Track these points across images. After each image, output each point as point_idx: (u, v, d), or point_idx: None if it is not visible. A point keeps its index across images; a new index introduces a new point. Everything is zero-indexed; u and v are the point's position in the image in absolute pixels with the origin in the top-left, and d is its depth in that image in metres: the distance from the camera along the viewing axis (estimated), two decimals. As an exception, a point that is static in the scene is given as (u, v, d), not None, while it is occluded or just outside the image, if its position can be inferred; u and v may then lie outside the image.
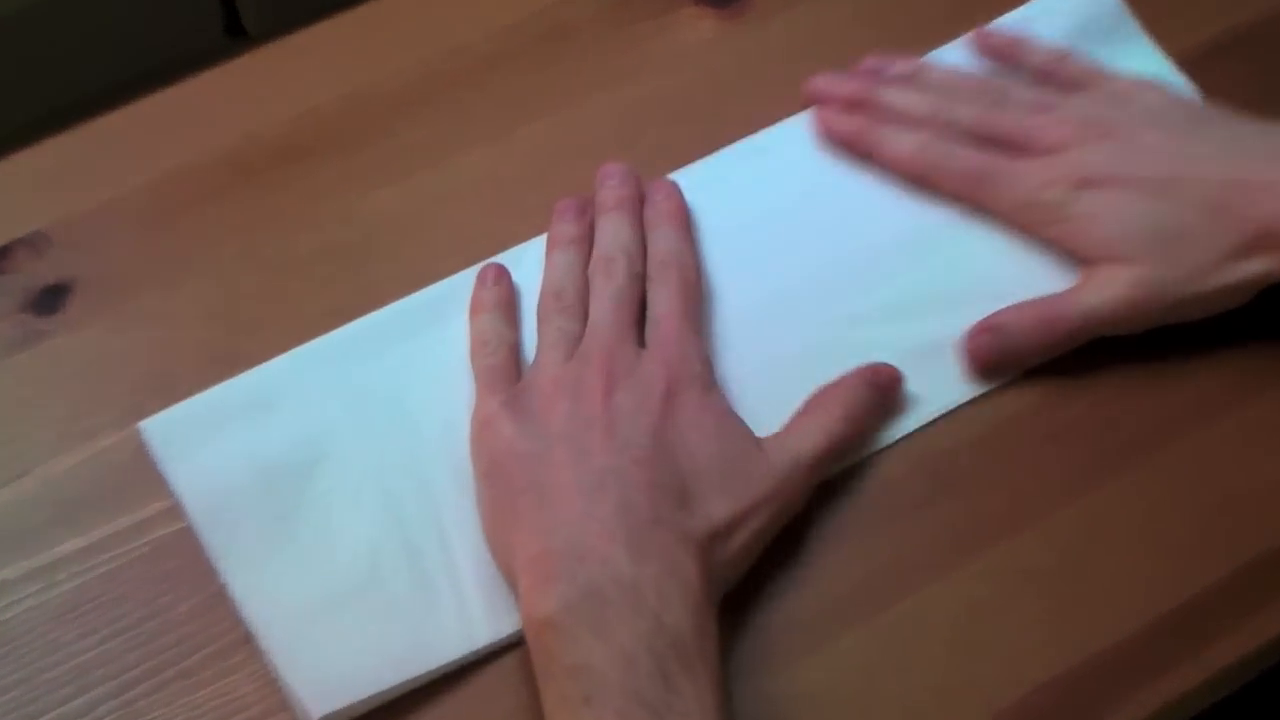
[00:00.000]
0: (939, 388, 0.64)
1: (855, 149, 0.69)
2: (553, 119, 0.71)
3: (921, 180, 0.68)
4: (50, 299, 0.65)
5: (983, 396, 0.64)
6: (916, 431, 0.63)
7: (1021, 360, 0.64)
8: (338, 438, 0.61)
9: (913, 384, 0.63)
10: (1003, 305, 0.65)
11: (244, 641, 0.58)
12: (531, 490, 0.57)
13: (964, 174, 0.67)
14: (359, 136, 0.70)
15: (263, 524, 0.59)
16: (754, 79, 0.72)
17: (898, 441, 0.62)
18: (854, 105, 0.69)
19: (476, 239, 0.67)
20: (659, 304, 0.63)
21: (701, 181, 0.68)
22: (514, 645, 0.57)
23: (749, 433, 0.60)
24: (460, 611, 0.58)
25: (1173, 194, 0.63)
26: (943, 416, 0.63)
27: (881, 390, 0.62)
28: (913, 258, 0.66)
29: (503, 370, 0.61)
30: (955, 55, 0.72)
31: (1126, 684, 0.57)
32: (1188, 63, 0.72)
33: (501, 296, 0.64)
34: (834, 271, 0.66)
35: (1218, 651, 0.58)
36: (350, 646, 0.57)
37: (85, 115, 0.70)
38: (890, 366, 0.63)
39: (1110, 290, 0.63)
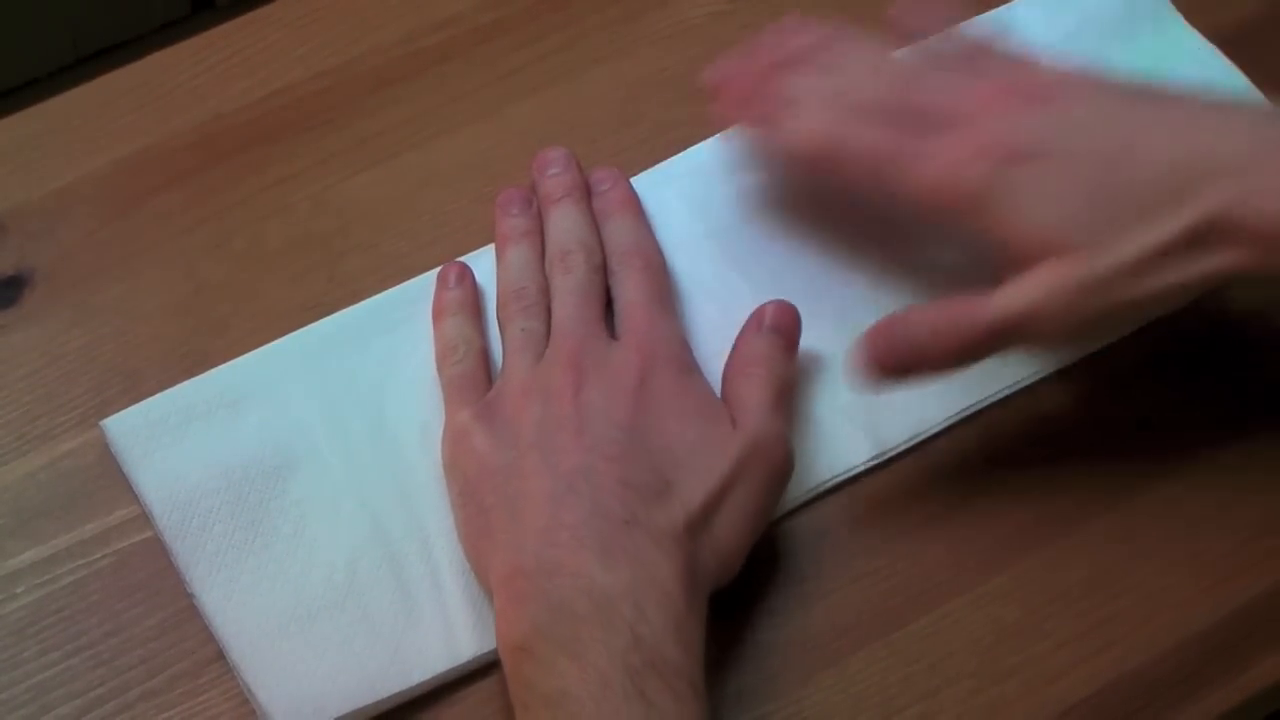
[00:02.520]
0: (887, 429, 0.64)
1: (759, 132, 0.68)
2: (546, 96, 0.73)
3: (824, 164, 0.65)
4: (6, 291, 0.67)
5: (1005, 400, 0.65)
6: (933, 436, 0.64)
7: (927, 364, 0.61)
8: (311, 439, 0.64)
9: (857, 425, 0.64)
10: None
11: (214, 659, 0.59)
12: (502, 504, 0.58)
13: (874, 153, 0.63)
14: (335, 117, 0.72)
15: (233, 531, 0.61)
16: (763, 55, 0.74)
17: (915, 448, 0.64)
18: (757, 84, 0.67)
19: (463, 227, 0.69)
20: (626, 293, 0.64)
21: (646, 190, 0.69)
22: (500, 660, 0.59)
23: (725, 407, 0.61)
24: (444, 624, 0.60)
25: (1116, 173, 0.59)
26: (962, 421, 0.65)
27: (780, 330, 0.63)
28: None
29: (472, 378, 0.63)
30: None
31: (1160, 705, 0.60)
32: (1226, 42, 0.73)
33: (465, 298, 0.65)
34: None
35: (1256, 672, 0.60)
36: (326, 663, 0.59)
37: (42, 94, 0.72)
38: (779, 303, 0.64)
39: (1037, 287, 0.59)
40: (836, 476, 0.63)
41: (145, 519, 0.62)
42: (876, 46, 0.67)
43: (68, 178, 0.70)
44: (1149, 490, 0.64)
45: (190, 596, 0.60)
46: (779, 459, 0.60)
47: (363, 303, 0.67)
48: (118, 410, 0.64)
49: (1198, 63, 0.73)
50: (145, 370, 0.65)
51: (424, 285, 0.67)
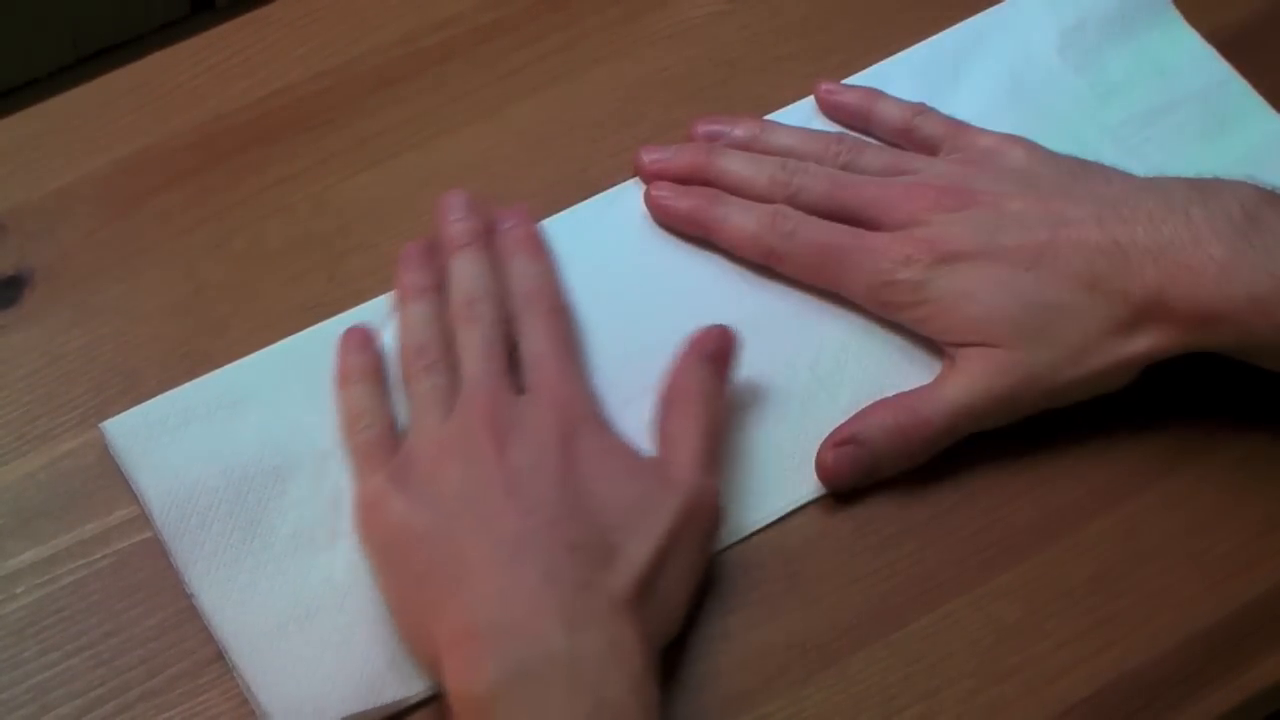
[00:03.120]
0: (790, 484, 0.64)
1: (692, 230, 0.69)
2: (546, 96, 0.73)
3: (766, 262, 0.67)
4: (6, 291, 0.67)
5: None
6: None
7: (881, 470, 0.63)
8: (311, 440, 0.64)
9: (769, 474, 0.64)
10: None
11: (214, 659, 0.60)
12: (438, 568, 0.57)
13: (810, 254, 0.66)
14: (336, 117, 0.72)
15: (232, 531, 0.62)
16: (763, 56, 0.74)
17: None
18: (689, 179, 0.69)
19: (464, 227, 0.69)
20: (533, 344, 0.63)
21: (557, 236, 0.69)
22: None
23: (651, 461, 0.61)
24: None
25: (1045, 266, 0.63)
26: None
27: (716, 359, 0.63)
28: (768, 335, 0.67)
29: (380, 443, 0.62)
30: (802, 114, 0.72)
31: (1161, 705, 0.60)
32: (1227, 44, 0.74)
33: (369, 364, 0.64)
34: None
35: (1257, 672, 0.61)
36: (328, 664, 0.59)
37: (42, 94, 0.72)
38: (715, 329, 0.63)
39: (977, 381, 0.63)
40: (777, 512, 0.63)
41: (145, 519, 0.62)
42: (806, 135, 0.70)
43: (68, 178, 0.70)
44: (1150, 490, 0.64)
45: (190, 596, 0.61)
46: (713, 513, 0.61)
47: (361, 305, 0.67)
48: (118, 410, 0.64)
49: (1195, 63, 0.74)
50: (145, 370, 0.65)
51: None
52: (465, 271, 0.65)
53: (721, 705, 0.59)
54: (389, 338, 0.65)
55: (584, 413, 0.61)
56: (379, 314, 0.66)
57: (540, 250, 0.67)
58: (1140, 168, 0.67)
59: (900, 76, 0.73)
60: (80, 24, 1.01)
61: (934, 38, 0.74)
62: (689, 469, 0.60)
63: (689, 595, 0.59)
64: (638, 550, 0.57)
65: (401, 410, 0.63)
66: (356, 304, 0.67)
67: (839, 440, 0.63)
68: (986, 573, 0.62)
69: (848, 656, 0.60)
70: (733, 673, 0.60)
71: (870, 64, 0.74)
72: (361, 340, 0.65)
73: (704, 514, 0.60)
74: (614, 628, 0.55)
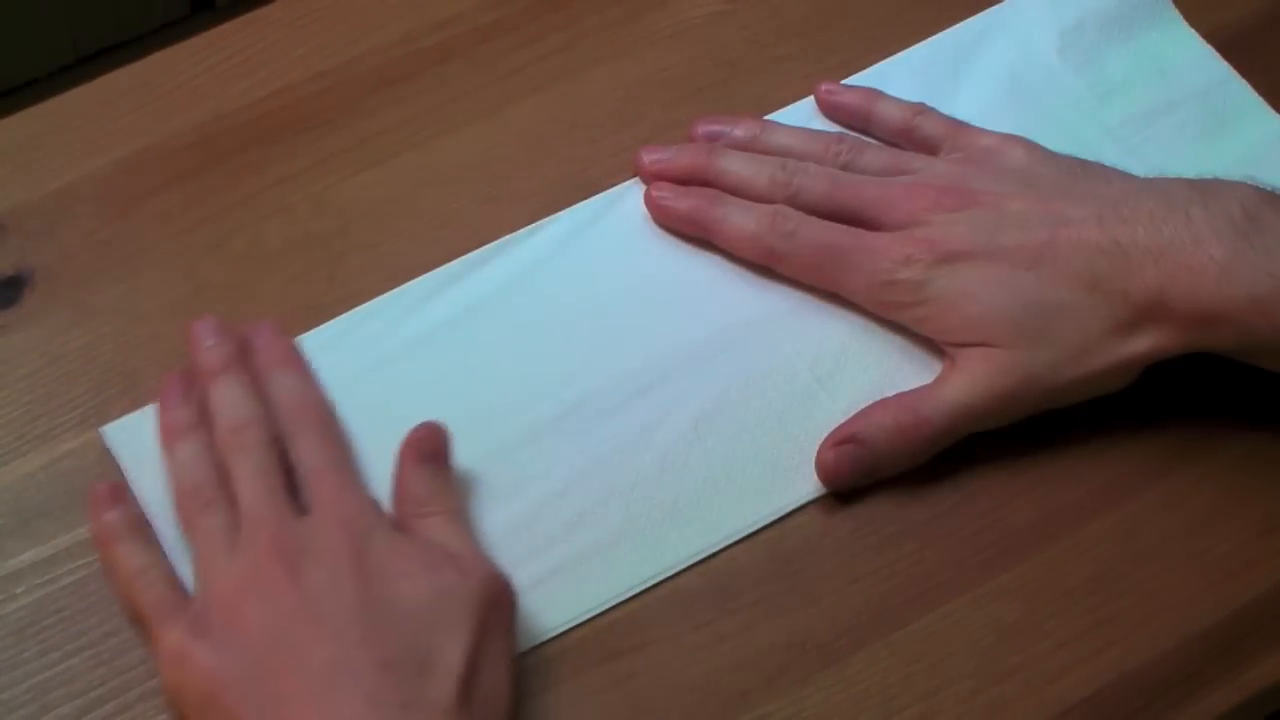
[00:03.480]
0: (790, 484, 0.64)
1: (692, 230, 0.69)
2: (546, 96, 0.73)
3: (765, 263, 0.67)
4: (6, 291, 0.67)
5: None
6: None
7: (882, 470, 0.64)
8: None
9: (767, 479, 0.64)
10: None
11: (215, 660, 0.60)
12: (257, 713, 0.55)
13: (810, 254, 0.66)
14: (335, 117, 0.72)
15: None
16: (763, 56, 0.74)
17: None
18: (688, 179, 0.69)
19: (463, 227, 0.69)
20: (306, 461, 0.61)
21: (532, 257, 0.69)
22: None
23: (441, 553, 0.59)
24: None
25: (1045, 266, 0.63)
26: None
27: (440, 457, 0.62)
28: (762, 337, 0.67)
29: (168, 597, 0.59)
30: (801, 114, 0.72)
31: (1161, 705, 0.60)
32: (1227, 44, 0.74)
33: (127, 518, 0.61)
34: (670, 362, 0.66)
35: (1256, 672, 0.61)
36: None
37: (42, 94, 0.72)
38: (426, 427, 0.62)
39: (977, 381, 0.63)
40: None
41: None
42: (806, 135, 0.70)
43: (68, 178, 0.70)
44: (1150, 490, 0.64)
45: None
46: (509, 598, 0.59)
47: (361, 307, 0.67)
48: (118, 410, 0.64)
49: (1194, 64, 0.74)
50: (145, 370, 0.65)
51: (424, 289, 0.68)
52: (226, 398, 0.62)
53: (721, 705, 0.59)
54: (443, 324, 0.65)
55: (370, 522, 0.59)
56: (379, 314, 0.67)
57: (297, 362, 0.65)
58: (1140, 168, 0.67)
59: (900, 76, 0.73)
60: (80, 24, 1.01)
61: (934, 38, 0.74)
62: (473, 558, 0.59)
63: (510, 684, 0.57)
64: (451, 651, 0.55)
65: (181, 558, 0.61)
66: (356, 304, 0.67)
67: (839, 440, 0.63)
68: (986, 573, 0.62)
69: (848, 656, 0.60)
70: (733, 673, 0.60)
71: (870, 64, 0.74)
72: (111, 494, 0.62)
73: (503, 598, 0.58)
74: None
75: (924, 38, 0.75)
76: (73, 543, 0.62)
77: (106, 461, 0.63)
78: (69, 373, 0.66)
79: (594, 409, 0.65)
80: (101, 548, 0.61)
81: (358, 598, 0.56)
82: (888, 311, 0.66)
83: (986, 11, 0.75)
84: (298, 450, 0.61)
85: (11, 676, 0.59)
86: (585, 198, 0.70)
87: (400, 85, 0.73)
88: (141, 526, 0.62)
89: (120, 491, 0.62)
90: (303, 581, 0.57)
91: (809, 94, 0.72)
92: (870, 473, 0.63)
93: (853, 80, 0.73)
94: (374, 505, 0.60)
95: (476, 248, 0.68)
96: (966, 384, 0.63)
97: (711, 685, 0.60)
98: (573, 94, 0.73)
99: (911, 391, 0.64)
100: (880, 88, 0.72)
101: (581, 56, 0.74)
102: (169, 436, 0.63)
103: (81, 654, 0.60)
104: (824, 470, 0.63)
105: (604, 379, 0.66)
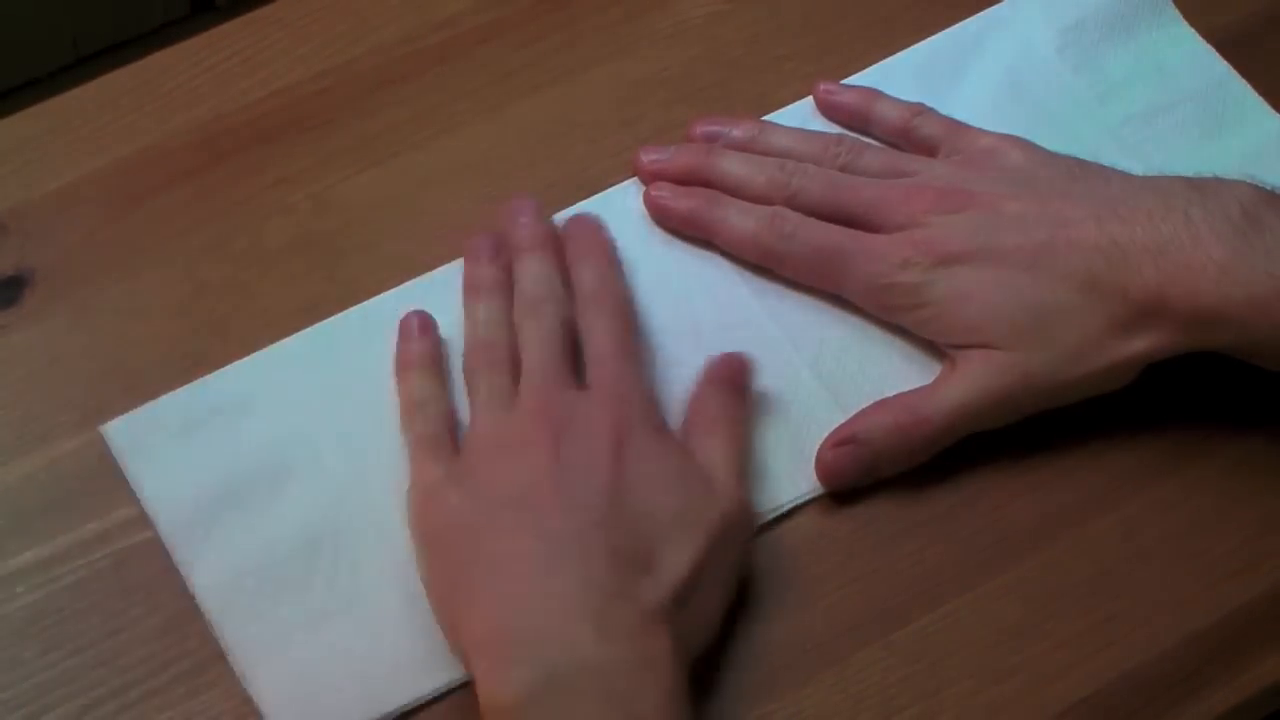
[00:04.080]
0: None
1: (692, 231, 0.69)
2: (546, 96, 0.73)
3: (765, 264, 0.68)
4: (6, 291, 0.67)
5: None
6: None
7: (881, 470, 0.64)
8: (312, 442, 0.64)
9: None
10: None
11: (214, 658, 0.60)
12: (480, 562, 0.57)
13: (809, 255, 0.67)
14: (336, 116, 0.72)
15: (235, 536, 0.62)
16: (763, 56, 0.74)
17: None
18: (688, 180, 0.69)
19: (464, 227, 0.69)
20: (595, 342, 0.63)
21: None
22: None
23: (698, 469, 0.61)
24: None
25: (1044, 266, 0.63)
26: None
27: (736, 383, 0.64)
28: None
29: (439, 437, 0.62)
30: (800, 115, 0.72)
31: (1161, 705, 0.60)
32: (1226, 44, 0.74)
33: (429, 351, 0.65)
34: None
35: (1256, 672, 0.61)
36: (333, 671, 0.59)
37: (42, 94, 0.73)
38: (731, 356, 0.64)
39: (977, 382, 0.63)
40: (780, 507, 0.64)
41: (145, 519, 0.62)
42: (805, 136, 0.70)
43: (68, 178, 0.70)
44: (1149, 490, 0.64)
45: (191, 597, 0.61)
46: (747, 529, 0.61)
47: (362, 304, 0.67)
48: (118, 410, 0.64)
49: (1194, 63, 0.74)
50: (145, 370, 0.66)
51: (424, 287, 0.68)
52: (532, 273, 0.65)
53: (721, 705, 0.59)
54: (441, 315, 0.66)
55: (640, 413, 0.61)
56: (381, 314, 0.67)
57: (610, 256, 0.67)
58: (1139, 167, 0.68)
59: (900, 76, 0.73)
60: (80, 24, 1.01)
61: (933, 38, 0.75)
62: (729, 484, 0.60)
63: (722, 610, 0.59)
64: (677, 561, 0.57)
65: (461, 401, 0.64)
66: (358, 302, 0.67)
67: (839, 440, 0.64)
68: (986, 573, 0.62)
69: (848, 656, 0.60)
70: (733, 673, 0.60)
71: (870, 64, 0.74)
72: (421, 326, 0.65)
73: (742, 529, 0.60)
74: (648, 639, 0.55)
75: (924, 38, 0.75)
76: (73, 542, 0.62)
77: (107, 461, 0.63)
78: (69, 373, 0.66)
79: None
80: (398, 374, 0.64)
81: (607, 480, 0.58)
82: (887, 313, 0.66)
83: (986, 11, 0.75)
84: (588, 330, 0.64)
85: (12, 676, 0.59)
86: (585, 198, 0.70)
87: (400, 85, 0.73)
88: (438, 362, 0.65)
89: (427, 325, 0.65)
90: (561, 451, 0.59)
91: (809, 94, 0.73)
92: (870, 473, 0.63)
93: (852, 80, 0.73)
94: (649, 398, 0.63)
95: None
96: (966, 385, 0.63)
97: (711, 685, 0.60)
98: (573, 94, 0.73)
99: (911, 392, 0.64)
100: (880, 87, 0.72)
101: (581, 56, 0.74)
102: (471, 292, 0.66)
103: (82, 654, 0.60)
104: (824, 470, 0.63)
105: None
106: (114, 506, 0.63)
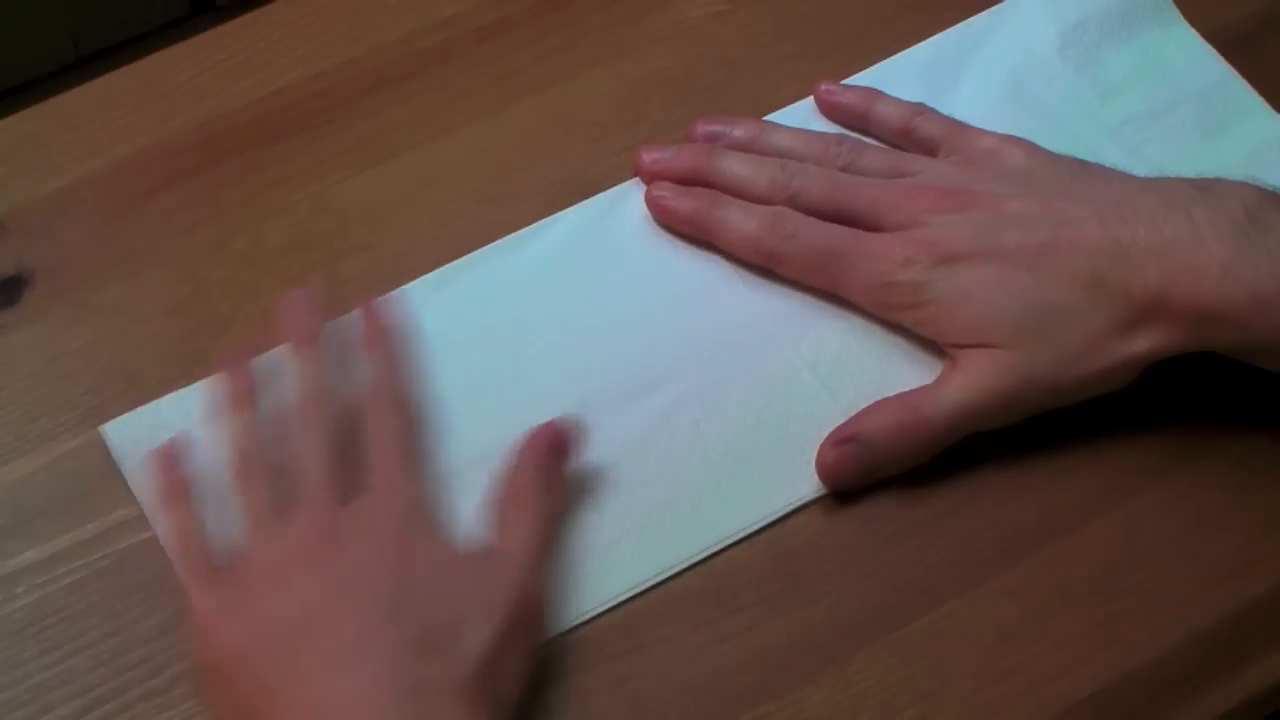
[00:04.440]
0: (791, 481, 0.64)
1: (692, 231, 0.69)
2: (546, 96, 0.73)
3: (765, 264, 0.67)
4: (6, 291, 0.67)
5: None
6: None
7: (882, 470, 0.64)
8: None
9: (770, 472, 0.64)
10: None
11: (215, 659, 0.60)
12: (277, 686, 0.55)
13: (810, 256, 0.66)
14: (336, 116, 0.72)
15: (233, 535, 0.61)
16: (763, 56, 0.74)
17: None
18: (689, 179, 0.69)
19: (463, 228, 0.69)
20: (373, 441, 0.61)
21: (532, 257, 0.69)
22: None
23: (482, 554, 0.59)
24: None
25: (1045, 266, 0.63)
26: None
27: (557, 455, 0.62)
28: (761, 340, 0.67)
29: (212, 562, 0.59)
30: (801, 115, 0.72)
31: (1161, 705, 0.60)
32: (1228, 44, 0.74)
33: (184, 481, 0.62)
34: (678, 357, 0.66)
35: (1257, 672, 0.61)
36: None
37: (42, 94, 0.73)
38: (553, 425, 0.62)
39: (978, 381, 0.63)
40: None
41: (145, 519, 0.62)
42: (806, 136, 0.70)
43: (68, 178, 0.70)
44: (1149, 490, 0.64)
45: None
46: (540, 608, 0.59)
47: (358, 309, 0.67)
48: (118, 410, 0.64)
49: (1195, 64, 0.74)
50: (145, 370, 0.66)
51: (421, 290, 0.67)
52: (302, 373, 0.62)
53: (721, 705, 0.59)
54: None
55: (419, 512, 0.60)
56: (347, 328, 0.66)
57: (388, 346, 0.65)
58: (1141, 168, 0.67)
59: (901, 76, 0.73)
60: (80, 24, 1.01)
61: (934, 38, 0.75)
62: (519, 561, 0.59)
63: (521, 688, 0.58)
64: (475, 639, 0.56)
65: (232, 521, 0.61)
66: (355, 305, 0.66)
67: (840, 439, 0.63)
68: (986, 573, 0.62)
69: (848, 656, 0.60)
70: (733, 673, 0.60)
71: (871, 64, 0.74)
72: (173, 457, 0.62)
73: (534, 607, 0.59)
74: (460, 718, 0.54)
75: (924, 37, 0.75)
76: (73, 543, 0.62)
77: (107, 461, 0.63)
78: (69, 373, 0.66)
79: (594, 409, 0.65)
80: (163, 510, 0.62)
81: (392, 578, 0.57)
82: (888, 313, 0.66)
83: (987, 12, 0.75)
84: (371, 429, 0.62)
85: (11, 677, 0.59)
86: (585, 198, 0.70)
87: (400, 85, 0.73)
88: (189, 493, 0.62)
89: (180, 455, 0.62)
90: (339, 562, 0.57)
91: (809, 94, 0.73)
92: (870, 473, 0.63)
93: (853, 80, 0.73)
94: (426, 495, 0.61)
95: (476, 248, 0.69)
96: (968, 384, 0.63)
97: (711, 685, 0.60)
98: (573, 94, 0.73)
99: (912, 391, 0.64)
100: (881, 87, 0.72)
101: (582, 56, 0.74)
102: (233, 403, 0.63)
103: (81, 654, 0.60)
104: (824, 470, 0.63)
105: (604, 379, 0.66)
106: (114, 507, 0.63)
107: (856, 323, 0.67)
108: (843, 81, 0.73)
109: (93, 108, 0.72)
